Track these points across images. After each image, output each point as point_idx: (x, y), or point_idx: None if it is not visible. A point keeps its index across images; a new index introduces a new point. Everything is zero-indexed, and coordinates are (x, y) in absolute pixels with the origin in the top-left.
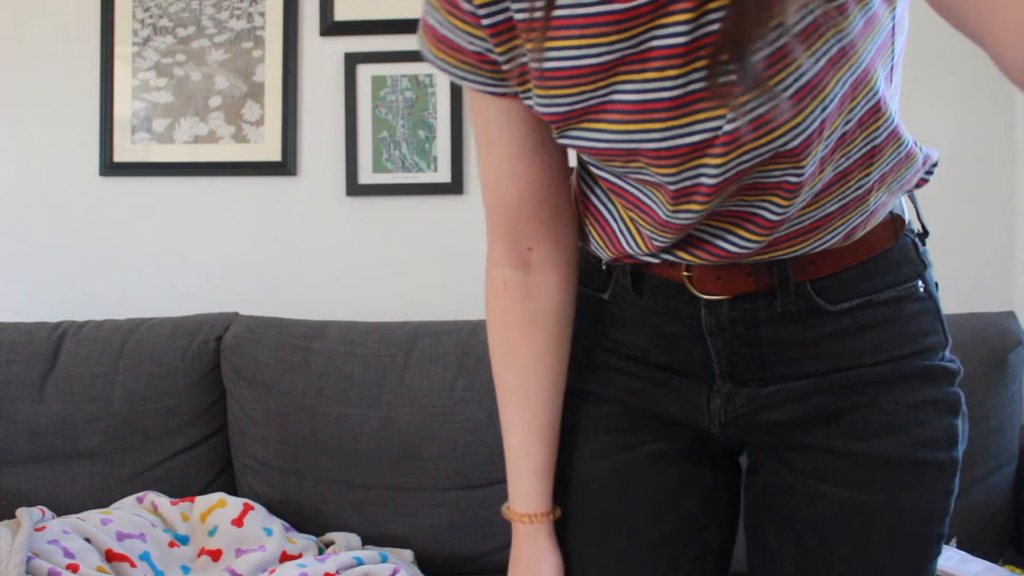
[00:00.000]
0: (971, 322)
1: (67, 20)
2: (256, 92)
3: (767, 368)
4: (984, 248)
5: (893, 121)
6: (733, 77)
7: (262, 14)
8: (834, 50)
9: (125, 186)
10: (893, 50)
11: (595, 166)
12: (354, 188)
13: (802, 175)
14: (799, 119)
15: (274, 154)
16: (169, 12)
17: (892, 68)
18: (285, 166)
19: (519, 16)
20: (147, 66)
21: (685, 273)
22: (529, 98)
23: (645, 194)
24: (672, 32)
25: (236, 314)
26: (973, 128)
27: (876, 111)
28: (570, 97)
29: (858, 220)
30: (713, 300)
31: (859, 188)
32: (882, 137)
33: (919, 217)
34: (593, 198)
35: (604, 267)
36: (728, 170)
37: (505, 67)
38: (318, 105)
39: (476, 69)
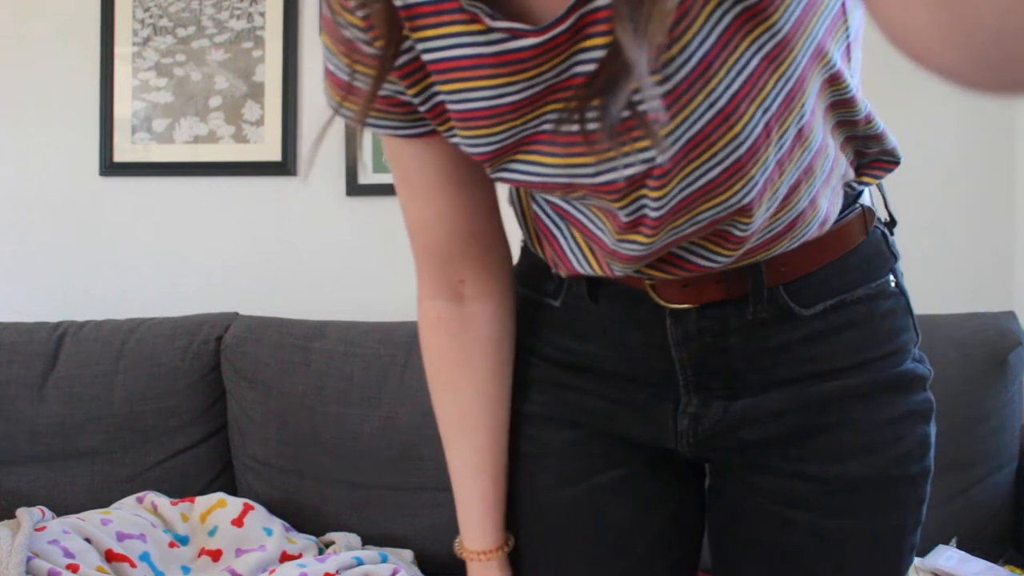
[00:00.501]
0: (971, 322)
1: (67, 20)
2: (256, 92)
3: (736, 377)
4: (984, 248)
5: (851, 93)
6: (600, 123)
7: (262, 14)
8: (762, 52)
9: (125, 186)
10: (847, 27)
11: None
12: (354, 188)
13: (751, 191)
14: (737, 129)
15: (274, 154)
16: (169, 12)
17: (848, 46)
18: (285, 166)
19: (427, 57)
20: (147, 66)
21: (648, 281)
22: (453, 136)
23: (592, 221)
24: (593, 58)
25: (236, 314)
26: (974, 128)
27: (836, 90)
28: (497, 135)
29: (827, 204)
30: (679, 309)
31: (823, 172)
32: (848, 116)
33: (886, 206)
34: (543, 215)
35: (554, 271)
36: (669, 201)
37: (421, 108)
38: (318, 105)
39: (386, 114)
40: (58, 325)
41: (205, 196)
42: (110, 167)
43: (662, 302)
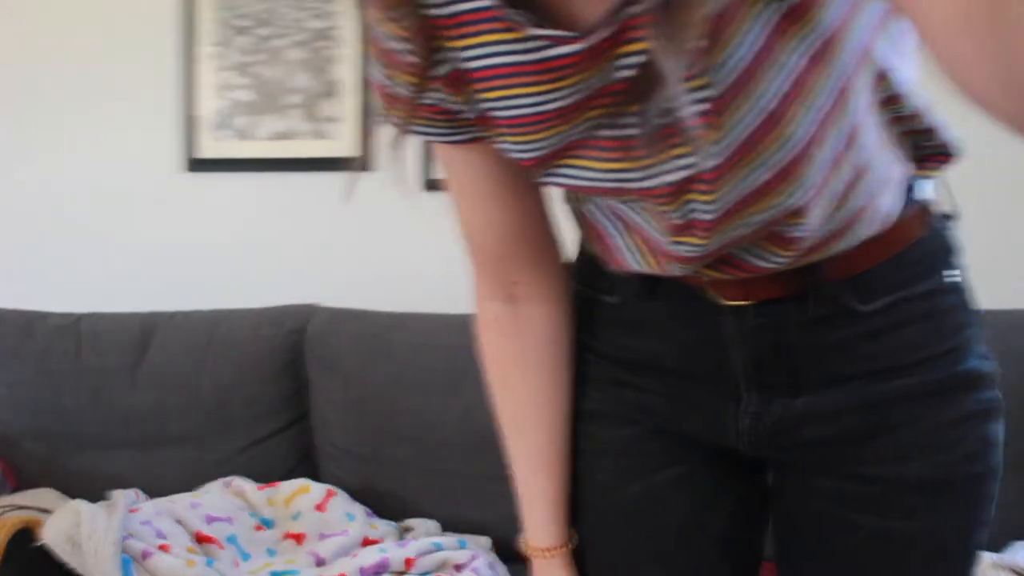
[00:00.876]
0: (1017, 319)
1: (151, 20)
2: (333, 89)
3: (797, 373)
4: None
5: (902, 88)
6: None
7: (339, 13)
8: (806, 56)
9: (209, 181)
10: (895, 21)
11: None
12: (430, 183)
13: (804, 193)
14: (787, 131)
15: (352, 150)
16: (249, 12)
17: (897, 40)
18: (363, 162)
19: (469, 65)
20: (228, 65)
21: (706, 279)
22: (501, 142)
23: (647, 222)
24: (633, 63)
25: (318, 306)
26: None
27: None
28: (543, 141)
29: (887, 200)
30: (736, 306)
31: (879, 168)
32: (901, 111)
33: (949, 199)
34: (597, 215)
35: (611, 270)
36: (721, 205)
37: (468, 115)
38: None
39: (432, 122)
40: (148, 315)
41: (285, 191)
42: (194, 163)
43: (719, 299)
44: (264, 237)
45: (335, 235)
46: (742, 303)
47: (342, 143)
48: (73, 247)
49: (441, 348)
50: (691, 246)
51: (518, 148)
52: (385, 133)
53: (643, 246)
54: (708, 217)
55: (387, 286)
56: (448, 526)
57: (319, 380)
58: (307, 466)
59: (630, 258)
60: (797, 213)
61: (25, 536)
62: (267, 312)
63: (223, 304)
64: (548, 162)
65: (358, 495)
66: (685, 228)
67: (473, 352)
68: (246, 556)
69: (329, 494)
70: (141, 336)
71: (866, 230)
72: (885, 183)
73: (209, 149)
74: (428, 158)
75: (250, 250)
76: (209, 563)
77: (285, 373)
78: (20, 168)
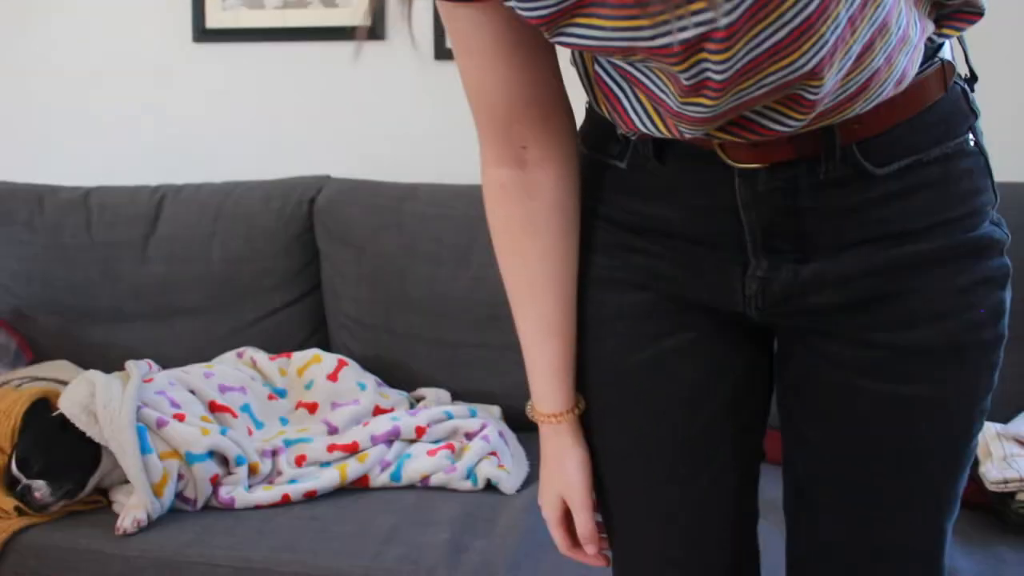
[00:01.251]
0: None
1: None
2: None
3: (806, 239)
4: None
5: None
6: None
7: None
8: None
9: (218, 52)
10: None
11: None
12: (443, 52)
13: (820, 52)
14: None
15: (362, 18)
16: None
17: None
18: (374, 30)
19: None
20: None
21: (717, 141)
22: (509, 0)
23: (656, 83)
24: None
25: (328, 177)
26: None
27: None
28: None
29: (905, 61)
30: (748, 169)
31: (899, 28)
32: None
33: (967, 61)
34: (605, 77)
35: (619, 132)
36: (734, 64)
37: None
38: None
39: None
40: (157, 188)
41: (295, 61)
42: (203, 33)
43: (730, 162)
44: (274, 108)
45: (346, 106)
46: (754, 166)
47: (352, 11)
48: (81, 120)
49: (452, 218)
50: (701, 107)
51: (525, 6)
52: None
53: (650, 108)
54: (719, 77)
55: (398, 156)
56: (458, 395)
57: (330, 251)
58: (319, 337)
59: (639, 121)
60: (812, 75)
61: (43, 406)
62: (277, 184)
63: (233, 176)
64: (556, 21)
65: (370, 365)
66: (696, 89)
67: (483, 222)
68: (260, 425)
69: (340, 364)
70: (151, 209)
71: (882, 93)
72: (903, 43)
73: (218, 19)
74: (439, 27)
75: (260, 122)
76: (223, 432)
77: (296, 245)
78: (28, 39)
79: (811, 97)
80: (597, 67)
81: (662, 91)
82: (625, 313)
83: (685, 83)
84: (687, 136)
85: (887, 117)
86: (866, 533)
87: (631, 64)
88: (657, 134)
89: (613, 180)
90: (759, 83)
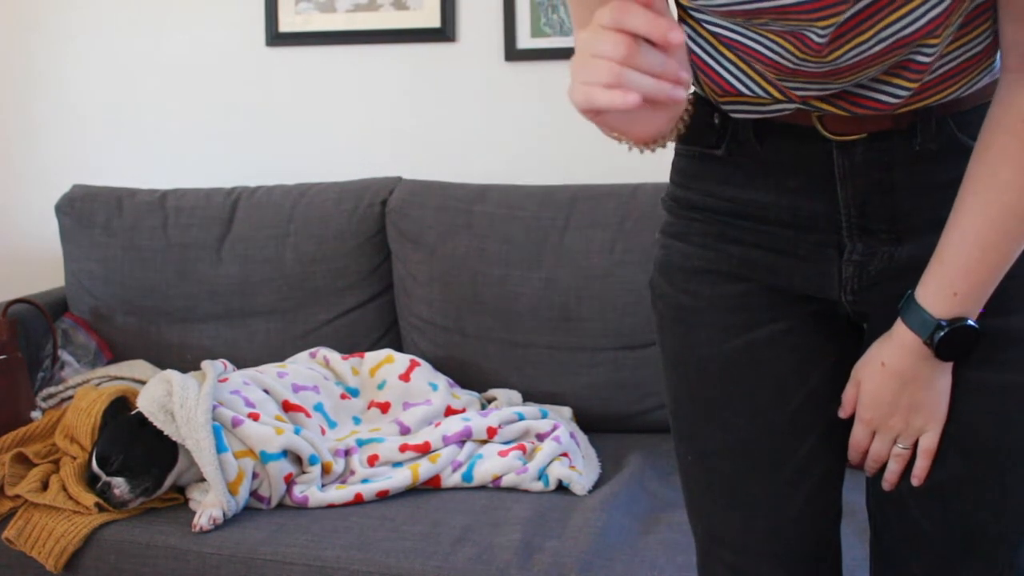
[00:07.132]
0: None
1: None
2: None
3: (900, 218)
4: None
5: None
6: None
7: None
8: None
9: (291, 56)
10: None
11: (710, 22)
12: (512, 53)
13: (937, 7)
14: None
15: (433, 20)
16: None
17: None
18: (444, 32)
19: None
20: None
21: (817, 114)
22: None
23: (768, 47)
24: None
25: (399, 178)
26: None
27: None
28: None
29: (997, 60)
30: (845, 141)
31: (992, 33)
32: None
33: None
34: (691, 47)
35: (716, 121)
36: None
37: None
38: None
39: None
40: (232, 190)
41: (366, 64)
42: (276, 37)
43: (828, 134)
44: (346, 110)
45: (417, 107)
46: (851, 137)
47: (423, 13)
48: (157, 124)
49: (522, 219)
50: (820, 62)
51: None
52: None
53: (760, 77)
54: (822, 40)
55: (468, 158)
56: (529, 396)
57: (402, 252)
58: (391, 338)
59: (731, 79)
60: (929, 30)
61: (122, 405)
62: (349, 185)
63: (306, 178)
64: None
65: (441, 366)
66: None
67: (554, 223)
68: (332, 424)
69: (413, 364)
70: (225, 211)
71: (980, 80)
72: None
73: (290, 23)
74: (509, 27)
75: (332, 124)
76: (296, 431)
77: (368, 246)
78: (114, 47)
79: (923, 60)
80: (702, 42)
81: (776, 53)
82: (719, 305)
83: (817, 40)
84: (796, 101)
85: (982, 91)
86: (959, 522)
87: (742, 33)
88: (755, 92)
89: (710, 169)
90: (878, 34)
